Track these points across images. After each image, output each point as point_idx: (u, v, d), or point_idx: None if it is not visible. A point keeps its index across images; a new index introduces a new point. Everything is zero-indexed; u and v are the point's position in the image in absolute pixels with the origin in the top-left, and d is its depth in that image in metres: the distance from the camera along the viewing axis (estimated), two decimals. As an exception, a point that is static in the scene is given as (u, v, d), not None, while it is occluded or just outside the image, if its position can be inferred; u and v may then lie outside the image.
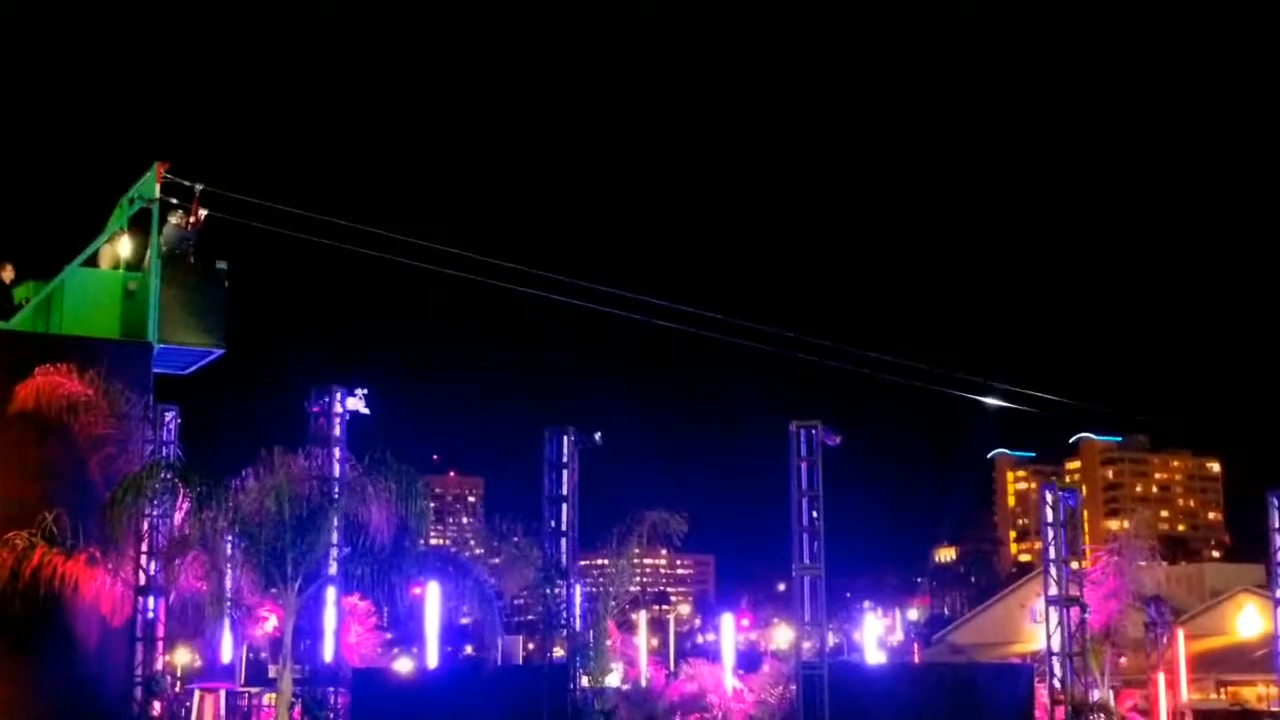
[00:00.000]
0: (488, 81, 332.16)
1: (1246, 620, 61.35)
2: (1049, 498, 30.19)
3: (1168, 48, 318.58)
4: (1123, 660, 39.00)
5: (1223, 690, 55.07)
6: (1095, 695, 31.00)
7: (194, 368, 26.73)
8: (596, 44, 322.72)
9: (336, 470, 23.50)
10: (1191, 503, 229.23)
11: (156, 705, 24.32)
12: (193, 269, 25.35)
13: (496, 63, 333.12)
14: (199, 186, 24.89)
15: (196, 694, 31.08)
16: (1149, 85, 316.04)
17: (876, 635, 64.28)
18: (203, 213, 25.10)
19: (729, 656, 39.96)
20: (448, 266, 25.74)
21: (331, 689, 24.02)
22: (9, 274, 25.05)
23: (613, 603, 29.81)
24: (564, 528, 27.03)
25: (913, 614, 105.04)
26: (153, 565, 23.63)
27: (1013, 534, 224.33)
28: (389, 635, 43.78)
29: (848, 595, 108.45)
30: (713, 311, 27.22)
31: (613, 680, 33.70)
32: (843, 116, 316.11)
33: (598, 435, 27.61)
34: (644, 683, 38.84)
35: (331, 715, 23.85)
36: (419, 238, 25.26)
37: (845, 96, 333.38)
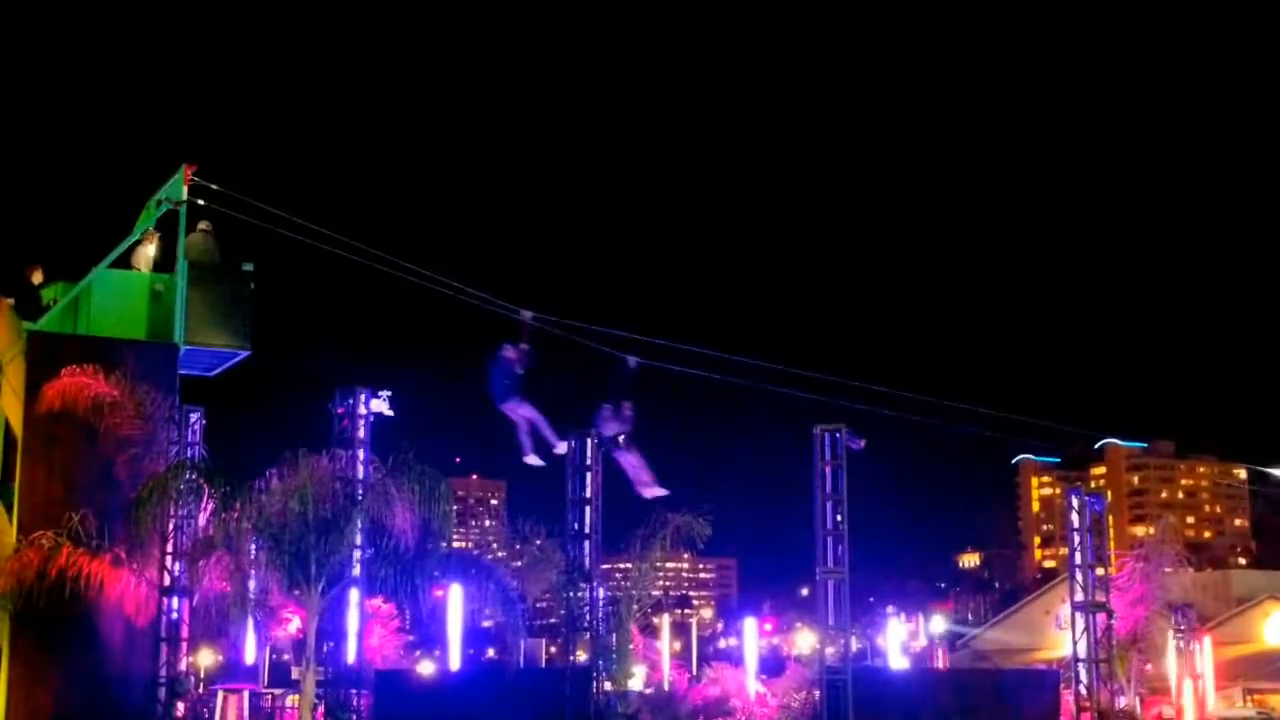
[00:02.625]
0: (506, 98, 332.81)
1: (1273, 627, 60.88)
2: (1075, 503, 29.99)
3: (1183, 53, 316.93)
4: (1149, 667, 38.75)
5: (1249, 698, 54.65)
6: (1121, 702, 30.85)
7: (220, 369, 26.76)
8: (614, 61, 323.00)
9: (360, 472, 23.54)
10: (1218, 509, 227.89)
11: (180, 706, 24.34)
12: (219, 270, 25.38)
13: (508, 79, 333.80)
14: (528, 314, 24.33)
15: (220, 695, 31.11)
16: (1168, 89, 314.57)
17: (900, 640, 63.91)
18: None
19: (752, 661, 39.81)
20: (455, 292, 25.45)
21: (354, 690, 24.06)
22: (39, 276, 25.16)
23: (635, 606, 29.78)
24: (587, 530, 26.97)
25: (936, 619, 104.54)
26: (177, 566, 23.66)
27: (1037, 539, 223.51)
28: (411, 637, 43.76)
29: (870, 600, 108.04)
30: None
31: (635, 684, 33.65)
32: (862, 138, 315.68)
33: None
34: (667, 686, 38.71)
35: (354, 717, 23.89)
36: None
37: (858, 119, 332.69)
